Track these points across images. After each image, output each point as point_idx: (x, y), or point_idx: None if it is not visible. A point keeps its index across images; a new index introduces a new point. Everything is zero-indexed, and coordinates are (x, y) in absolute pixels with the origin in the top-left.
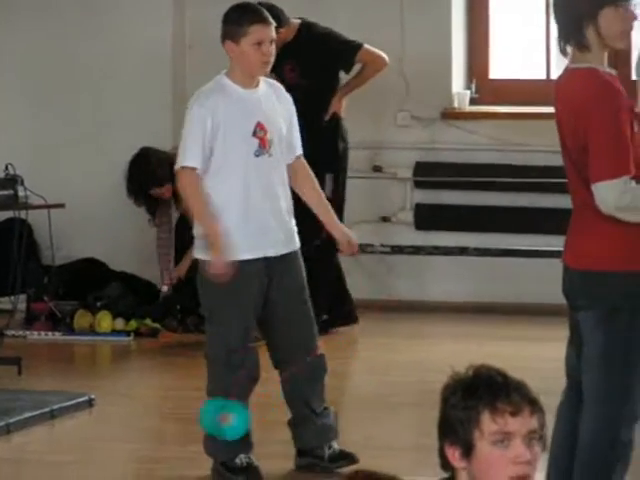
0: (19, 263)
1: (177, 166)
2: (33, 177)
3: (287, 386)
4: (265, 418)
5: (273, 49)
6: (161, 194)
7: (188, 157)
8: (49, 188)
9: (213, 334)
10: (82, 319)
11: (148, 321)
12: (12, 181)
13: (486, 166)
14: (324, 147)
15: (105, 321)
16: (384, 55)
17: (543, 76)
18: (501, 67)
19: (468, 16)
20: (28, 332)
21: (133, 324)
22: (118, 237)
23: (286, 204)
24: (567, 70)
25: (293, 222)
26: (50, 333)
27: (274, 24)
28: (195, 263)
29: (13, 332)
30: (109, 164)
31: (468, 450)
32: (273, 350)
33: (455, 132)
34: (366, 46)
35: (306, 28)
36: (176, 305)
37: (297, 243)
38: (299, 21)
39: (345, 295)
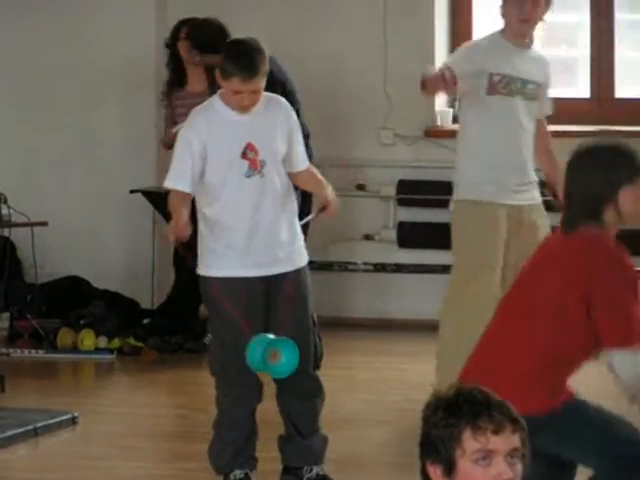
0: (2, 281)
1: (165, 184)
2: (16, 195)
3: (279, 402)
4: (261, 435)
5: (255, 97)
6: (186, 52)
7: (174, 179)
8: (32, 206)
9: (211, 350)
10: (65, 337)
11: (131, 339)
12: None
13: None
14: None
15: (88, 339)
16: None
17: None
18: None
19: (451, 34)
20: (11, 350)
21: (116, 342)
22: (101, 255)
23: (283, 224)
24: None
25: (296, 241)
26: (33, 351)
27: (260, 76)
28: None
29: None
30: (92, 181)
31: (450, 468)
32: None
33: (438, 150)
34: None
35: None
36: (162, 326)
37: (300, 262)
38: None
39: None
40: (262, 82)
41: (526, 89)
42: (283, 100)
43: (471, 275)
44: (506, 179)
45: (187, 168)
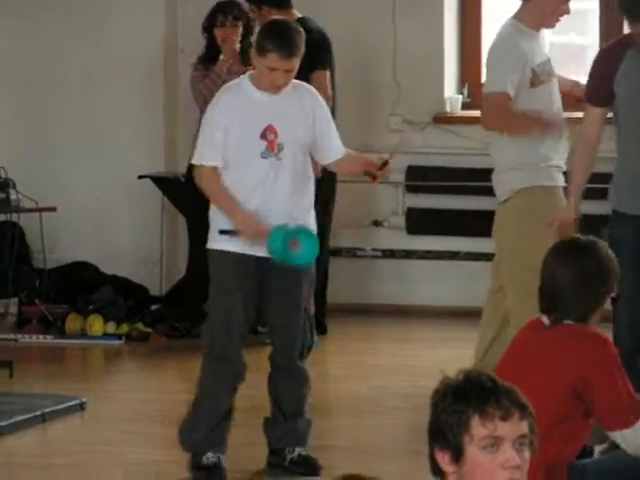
0: (11, 266)
1: (195, 162)
2: (25, 181)
3: (269, 383)
4: (252, 422)
5: (288, 77)
6: (222, 30)
7: (206, 156)
8: (41, 192)
9: (206, 326)
10: (73, 322)
11: (140, 325)
12: (4, 184)
13: (478, 170)
14: None
15: (96, 324)
16: (330, 93)
17: None
18: None
19: (460, 20)
20: (20, 335)
21: (124, 327)
22: (110, 241)
23: (295, 211)
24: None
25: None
26: (42, 336)
27: (297, 56)
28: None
29: (5, 335)
30: (101, 167)
31: (458, 454)
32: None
33: (447, 136)
34: (326, 74)
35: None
36: (170, 312)
37: None
38: (299, 16)
39: (324, 305)
40: (297, 63)
41: (551, 67)
42: (313, 89)
43: None
44: (558, 161)
45: (215, 144)
